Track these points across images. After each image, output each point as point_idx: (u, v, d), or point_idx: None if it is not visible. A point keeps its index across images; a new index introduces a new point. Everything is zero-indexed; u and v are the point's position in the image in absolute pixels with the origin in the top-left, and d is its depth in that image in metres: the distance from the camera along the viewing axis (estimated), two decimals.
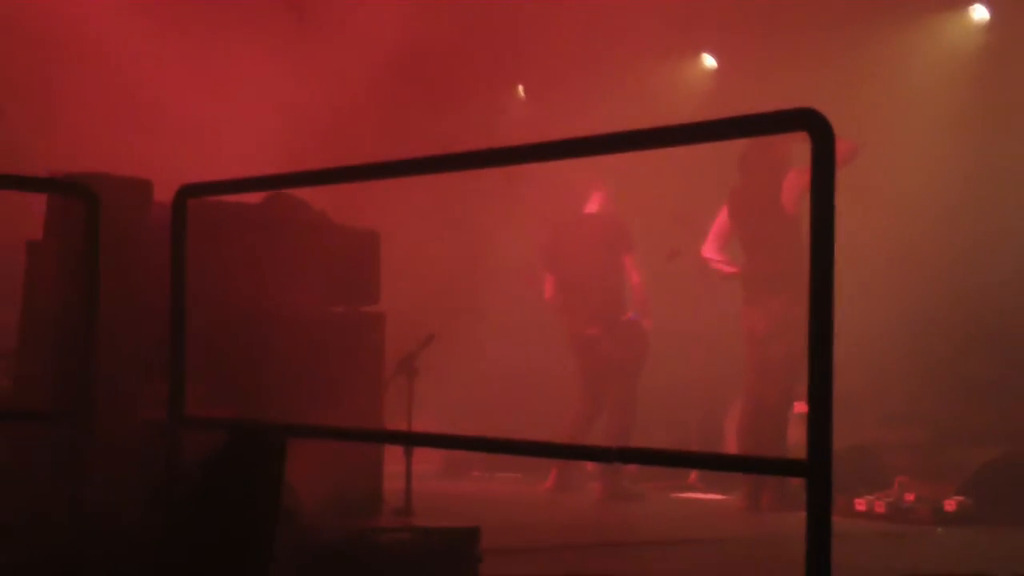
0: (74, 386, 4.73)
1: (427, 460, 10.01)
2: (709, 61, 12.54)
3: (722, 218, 9.69)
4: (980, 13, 10.80)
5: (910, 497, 8.68)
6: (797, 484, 8.22)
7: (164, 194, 5.33)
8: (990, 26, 10.72)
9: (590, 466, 10.47)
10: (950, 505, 8.51)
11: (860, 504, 8.76)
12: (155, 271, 4.83)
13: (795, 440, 9.31)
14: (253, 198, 6.40)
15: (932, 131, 10.33)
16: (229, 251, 6.07)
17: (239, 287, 6.11)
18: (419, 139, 10.11)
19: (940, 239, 9.99)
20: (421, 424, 7.12)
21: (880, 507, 8.71)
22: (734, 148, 9.31)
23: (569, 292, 10.40)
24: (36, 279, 6.26)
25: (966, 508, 8.50)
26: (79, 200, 4.82)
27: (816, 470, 2.91)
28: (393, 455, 6.98)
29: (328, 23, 10.81)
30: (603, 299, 10.23)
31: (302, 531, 5.11)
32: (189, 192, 4.61)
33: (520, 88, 13.73)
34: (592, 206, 10.49)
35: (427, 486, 7.92)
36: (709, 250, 9.75)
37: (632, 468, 10.26)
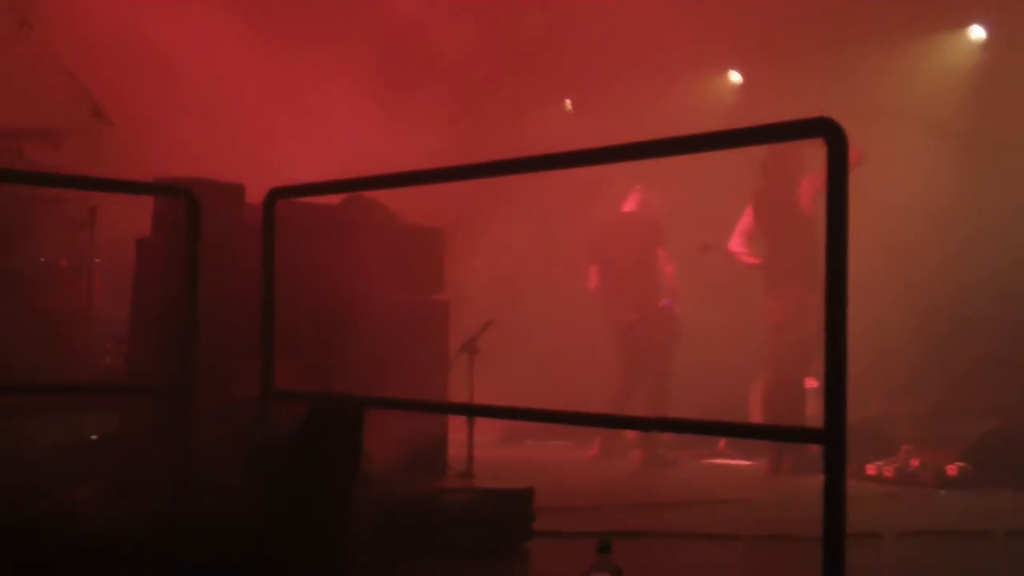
0: (178, 365, 4.76)
1: (487, 429, 9.96)
2: (735, 77, 12.53)
3: (747, 216, 9.71)
4: (977, 33, 10.78)
5: (915, 463, 8.65)
6: (814, 451, 8.17)
7: (255, 196, 5.37)
8: (986, 44, 10.70)
9: (631, 435, 10.46)
10: (951, 470, 8.47)
11: (871, 469, 8.74)
12: (248, 264, 4.86)
13: (810, 412, 9.29)
14: (333, 199, 6.42)
15: (933, 139, 10.30)
16: (312, 246, 6.09)
17: (321, 278, 6.13)
18: (478, 146, 10.12)
19: (939, 234, 9.95)
20: (481, 397, 7.11)
21: (888, 472, 8.68)
22: (757, 154, 9.30)
23: (611, 282, 10.42)
24: (145, 272, 6.29)
25: (966, 473, 8.46)
26: (182, 202, 4.85)
27: (832, 438, 2.91)
28: (457, 425, 6.98)
29: (395, 40, 10.84)
30: (640, 288, 10.23)
31: (377, 491, 5.13)
32: (277, 194, 4.64)
33: (568, 102, 13.75)
34: (630, 205, 10.50)
35: (487, 452, 7.92)
36: (736, 244, 9.77)
37: (668, 436, 10.25)
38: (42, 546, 4.13)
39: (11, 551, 4.04)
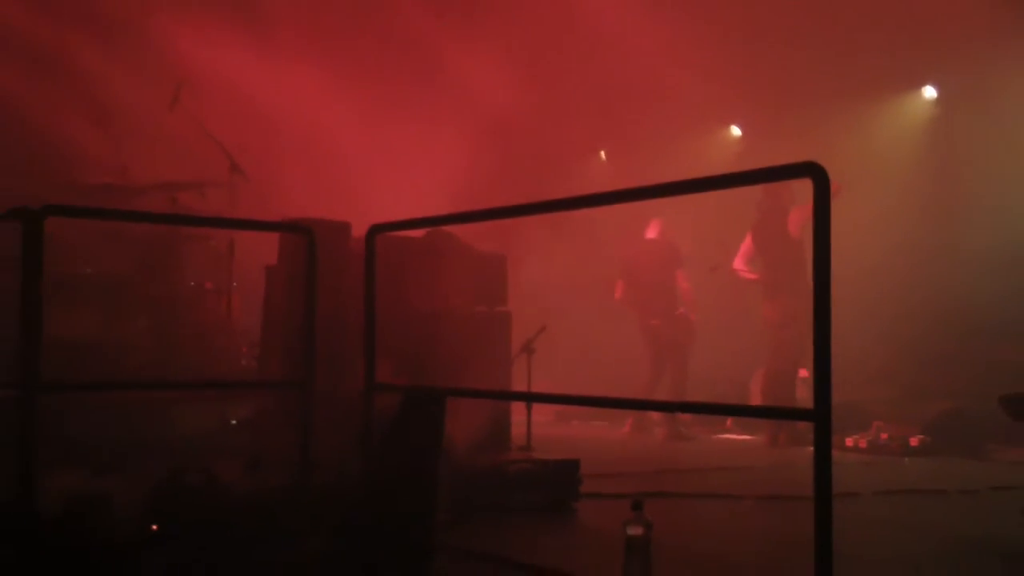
0: (299, 365, 4.78)
1: (542, 412, 10.00)
2: (736, 131, 12.52)
3: (747, 242, 9.65)
4: (930, 92, 10.80)
5: (884, 436, 8.56)
6: (805, 427, 8.12)
7: (358, 230, 5.39)
8: (937, 101, 10.75)
9: (656, 416, 10.43)
10: (914, 441, 8.39)
11: (848, 441, 8.65)
12: (354, 284, 4.87)
13: (801, 396, 9.21)
14: (418, 232, 6.43)
15: (897, 176, 10.35)
16: (404, 269, 6.11)
17: (411, 294, 6.15)
18: (531, 188, 10.15)
19: (905, 253, 9.99)
20: (537, 387, 7.11)
21: (863, 443, 8.61)
22: (755, 192, 9.29)
23: (637, 294, 10.38)
24: (272, 293, 6.35)
25: (926, 444, 8.38)
26: (302, 237, 4.88)
27: (820, 416, 2.88)
28: (518, 409, 6.98)
29: (465, 104, 10.91)
30: (662, 299, 10.19)
31: (456, 462, 5.13)
32: (377, 229, 4.64)
33: (602, 153, 13.76)
34: (652, 233, 10.46)
35: (542, 431, 7.91)
36: (738, 263, 9.72)
37: (686, 417, 10.22)
38: (195, 508, 4.16)
39: (170, 511, 4.07)
